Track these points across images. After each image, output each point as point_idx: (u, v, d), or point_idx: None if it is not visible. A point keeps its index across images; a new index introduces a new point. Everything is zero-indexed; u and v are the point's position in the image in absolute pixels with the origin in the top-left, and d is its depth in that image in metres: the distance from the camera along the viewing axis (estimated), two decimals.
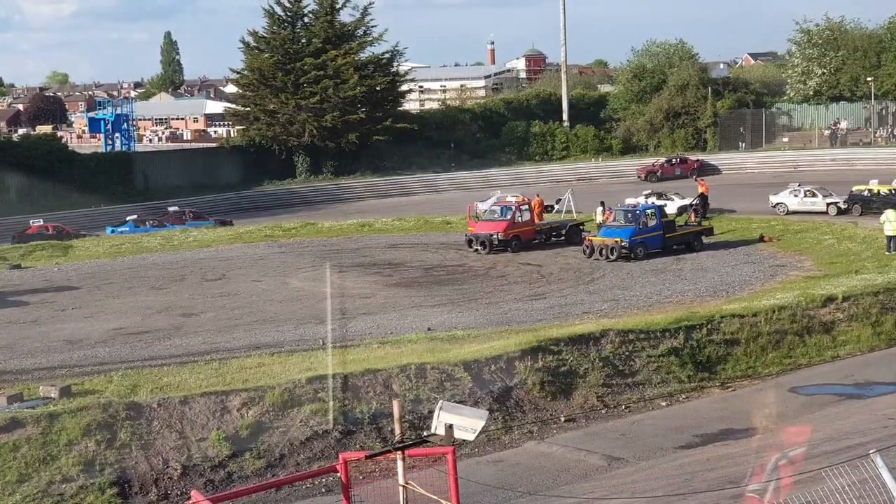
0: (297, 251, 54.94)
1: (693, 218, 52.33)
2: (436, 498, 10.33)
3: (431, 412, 26.38)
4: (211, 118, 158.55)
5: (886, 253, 43.35)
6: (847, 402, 28.96)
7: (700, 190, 58.94)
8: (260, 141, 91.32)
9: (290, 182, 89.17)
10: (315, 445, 25.69)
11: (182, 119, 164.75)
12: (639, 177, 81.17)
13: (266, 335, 35.16)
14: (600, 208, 55.27)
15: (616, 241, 46.99)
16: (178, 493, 23.49)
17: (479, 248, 51.01)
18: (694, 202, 54.14)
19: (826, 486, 11.44)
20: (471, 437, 10.50)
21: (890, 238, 43.94)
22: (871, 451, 11.64)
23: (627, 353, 30.83)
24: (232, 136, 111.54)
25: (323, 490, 23.64)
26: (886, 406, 27.70)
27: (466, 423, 10.41)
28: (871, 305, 35.65)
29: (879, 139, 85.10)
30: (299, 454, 25.37)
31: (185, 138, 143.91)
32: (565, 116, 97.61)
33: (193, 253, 56.48)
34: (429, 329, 34.36)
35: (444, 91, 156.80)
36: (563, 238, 52.49)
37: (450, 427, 10.24)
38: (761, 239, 50.38)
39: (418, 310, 38.29)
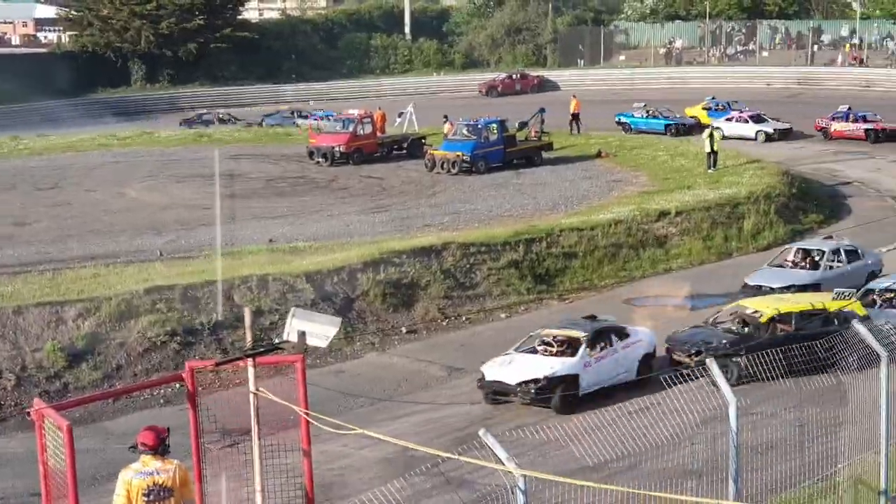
0: (133, 161, 53.70)
1: (533, 133, 52.77)
2: (287, 403, 10.32)
3: (273, 324, 26.31)
4: (41, 23, 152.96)
5: (708, 171, 44.44)
6: (680, 313, 29.86)
7: (572, 107, 59.52)
8: (93, 47, 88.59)
9: (125, 90, 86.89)
10: (153, 357, 25.41)
11: (10, 23, 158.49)
12: (480, 92, 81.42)
13: (101, 246, 34.39)
14: (447, 122, 55.30)
15: (458, 155, 47.16)
16: (13, 403, 23.05)
17: (320, 160, 50.67)
18: (535, 116, 54.44)
19: (665, 390, 11.82)
20: (324, 343, 10.50)
21: (708, 155, 45.17)
22: (707, 358, 12.08)
23: (468, 266, 31.15)
24: (64, 41, 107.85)
25: (161, 401, 23.46)
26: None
27: (319, 329, 10.38)
28: (703, 220, 36.69)
29: (713, 58, 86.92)
30: (137, 365, 25.09)
31: (13, 43, 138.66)
32: (407, 30, 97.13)
33: (24, 161, 54.76)
34: (270, 240, 34.10)
35: (285, 0, 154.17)
36: (404, 151, 52.44)
37: (302, 334, 10.19)
38: (599, 155, 51.15)
39: (259, 221, 37.92)
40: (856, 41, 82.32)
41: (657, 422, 11.95)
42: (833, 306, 23.86)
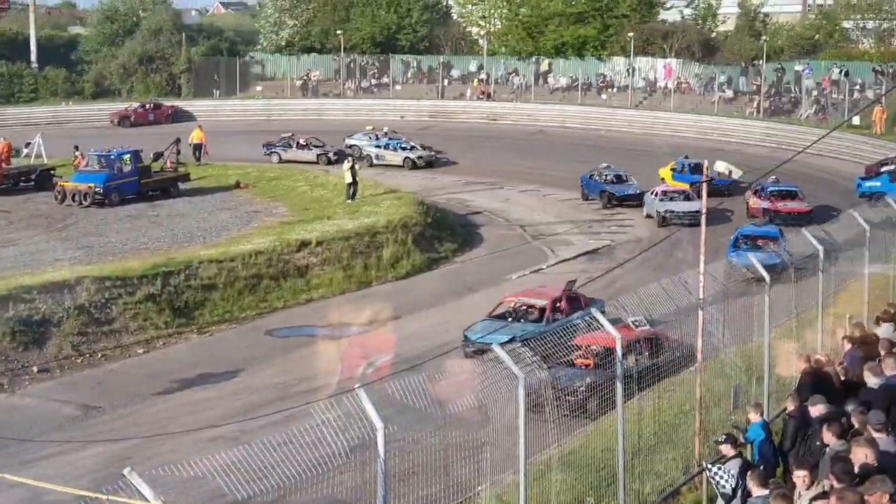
0: None
1: (169, 164, 51.79)
2: None
3: None
4: None
5: (347, 201, 44.93)
6: (321, 343, 29.99)
7: (195, 138, 58.66)
8: None
9: None
10: None
11: None
12: (112, 122, 79.16)
13: None
14: (78, 153, 53.30)
15: (89, 187, 45.62)
16: None
17: None
18: (171, 147, 53.42)
19: (313, 420, 11.70)
20: None
21: (349, 185, 45.70)
22: (356, 387, 12.05)
23: (104, 301, 30.10)
24: None
25: None
26: (359, 345, 28.96)
27: None
28: (343, 250, 37.03)
29: (348, 90, 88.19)
30: None
31: None
32: (34, 58, 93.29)
33: None
34: None
35: None
36: (32, 183, 50.17)
37: None
38: (237, 185, 50.74)
39: None
40: (483, 76, 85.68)
41: (304, 452, 11.80)
42: None
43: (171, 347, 29.74)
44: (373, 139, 62.99)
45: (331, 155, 59.84)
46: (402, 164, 59.75)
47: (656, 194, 46.63)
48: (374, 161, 59.80)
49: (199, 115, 79.74)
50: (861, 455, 10.77)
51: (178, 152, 52.49)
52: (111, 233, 40.43)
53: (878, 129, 62.72)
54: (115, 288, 30.71)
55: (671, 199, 45.86)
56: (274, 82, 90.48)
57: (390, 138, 62.83)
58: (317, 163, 59.07)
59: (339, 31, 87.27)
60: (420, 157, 60.11)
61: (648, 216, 46.36)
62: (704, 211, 18.38)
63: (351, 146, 61.82)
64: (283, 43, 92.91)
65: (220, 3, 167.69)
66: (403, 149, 61.01)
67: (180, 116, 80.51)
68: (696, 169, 49.11)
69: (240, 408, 24.20)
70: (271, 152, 61.04)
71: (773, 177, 44.85)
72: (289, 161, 59.48)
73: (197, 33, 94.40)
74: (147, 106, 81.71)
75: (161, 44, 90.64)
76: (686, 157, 53.23)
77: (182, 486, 18.02)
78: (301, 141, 61.24)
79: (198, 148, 58.54)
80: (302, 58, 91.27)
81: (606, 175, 50.91)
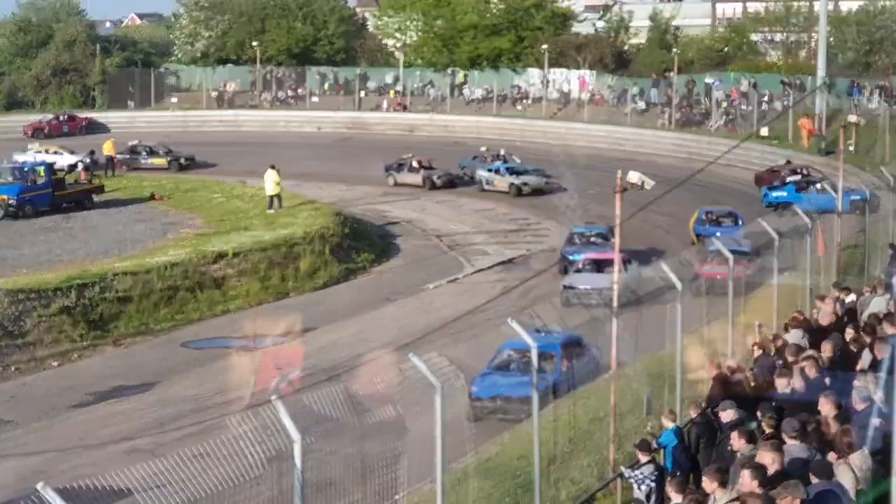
0: None
1: (84, 176, 51.29)
2: None
3: None
4: None
5: (268, 211, 44.83)
6: (237, 355, 29.91)
7: (106, 149, 58.18)
8: None
9: None
10: None
11: None
12: (25, 134, 78.20)
13: None
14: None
15: (2, 199, 45.07)
16: None
17: None
18: (85, 159, 53.01)
19: (230, 433, 11.72)
20: None
21: (271, 197, 45.54)
22: (272, 398, 12.09)
23: (17, 314, 29.76)
24: None
25: None
26: (274, 357, 28.96)
27: None
28: (260, 261, 36.94)
29: (265, 102, 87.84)
30: None
31: None
32: None
33: None
34: None
35: None
36: None
37: None
38: (152, 197, 50.34)
39: None
40: (399, 88, 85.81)
41: (221, 464, 11.81)
42: None
43: (86, 360, 29.47)
44: (486, 162, 57.96)
45: (435, 178, 55.93)
46: (507, 190, 53.95)
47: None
48: (485, 186, 54.81)
49: (113, 126, 79.10)
50: (768, 460, 10.96)
51: (93, 164, 52.02)
52: (25, 245, 39.94)
53: (804, 142, 62.46)
54: (29, 300, 30.39)
55: (586, 269, 34.37)
56: (189, 94, 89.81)
57: (504, 161, 57.83)
58: (422, 186, 55.61)
59: (254, 43, 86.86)
60: (526, 184, 53.58)
61: None
62: (619, 221, 18.64)
63: (463, 168, 58.18)
64: (199, 54, 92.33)
65: (135, 14, 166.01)
66: (512, 173, 54.94)
67: (95, 128, 79.70)
68: (722, 219, 41.62)
69: (155, 420, 24.07)
70: (388, 174, 57.36)
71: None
72: (402, 184, 56.22)
73: (111, 45, 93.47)
74: (61, 118, 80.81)
75: (75, 55, 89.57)
76: (714, 208, 43.35)
77: (97, 500, 17.92)
78: (414, 163, 57.20)
79: (110, 160, 58.09)
80: (218, 69, 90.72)
81: (585, 234, 39.55)
